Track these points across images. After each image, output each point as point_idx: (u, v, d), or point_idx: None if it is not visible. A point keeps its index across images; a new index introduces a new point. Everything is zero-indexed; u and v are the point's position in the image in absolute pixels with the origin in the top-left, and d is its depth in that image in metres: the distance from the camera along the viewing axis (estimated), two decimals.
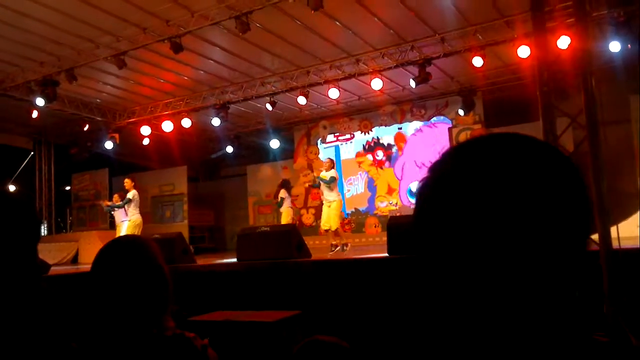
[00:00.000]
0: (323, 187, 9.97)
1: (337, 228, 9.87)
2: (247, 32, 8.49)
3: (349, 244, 10.34)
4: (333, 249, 9.92)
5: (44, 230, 15.78)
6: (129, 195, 11.43)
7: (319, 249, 11.56)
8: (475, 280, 0.63)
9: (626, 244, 5.03)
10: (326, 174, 9.92)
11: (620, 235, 4.89)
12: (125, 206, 11.39)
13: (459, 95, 12.39)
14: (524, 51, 9.25)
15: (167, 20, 8.95)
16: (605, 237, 4.86)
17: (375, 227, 13.60)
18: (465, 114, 12.52)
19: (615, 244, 4.88)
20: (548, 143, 0.71)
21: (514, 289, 0.62)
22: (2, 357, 1.00)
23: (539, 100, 5.36)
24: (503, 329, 0.62)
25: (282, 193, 11.69)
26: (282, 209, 11.71)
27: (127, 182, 11.79)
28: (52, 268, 8.33)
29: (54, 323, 1.09)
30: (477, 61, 9.88)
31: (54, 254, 12.76)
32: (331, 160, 10.46)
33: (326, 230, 10.34)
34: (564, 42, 8.49)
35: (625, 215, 8.00)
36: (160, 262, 1.57)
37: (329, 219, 9.78)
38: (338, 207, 9.95)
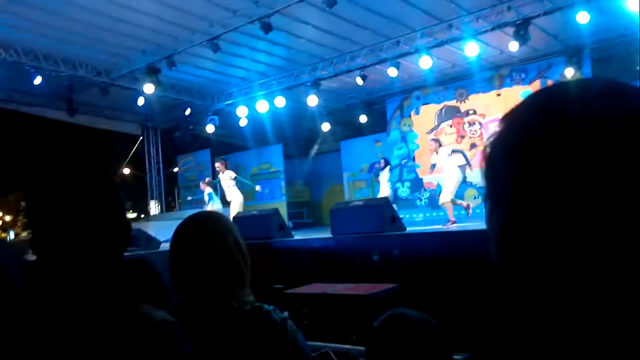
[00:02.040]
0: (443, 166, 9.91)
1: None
2: (334, 6, 8.42)
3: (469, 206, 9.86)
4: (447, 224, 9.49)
5: (156, 210, 16.91)
6: (232, 175, 11.83)
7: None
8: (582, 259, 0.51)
9: None
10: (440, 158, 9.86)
11: None
12: (227, 187, 11.81)
13: (565, 55, 11.54)
14: (633, 3, 8.39)
15: (255, 1, 9.09)
16: None
17: (475, 198, 13.16)
18: (572, 75, 11.65)
19: None
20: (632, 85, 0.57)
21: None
22: (80, 322, 1.04)
23: None
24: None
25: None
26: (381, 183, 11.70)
27: (218, 166, 12.25)
28: (162, 244, 8.90)
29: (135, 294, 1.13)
30: (582, 17, 9.11)
31: (165, 231, 13.60)
32: (435, 140, 10.24)
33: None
34: None
35: None
36: (236, 236, 1.57)
37: (444, 192, 9.77)
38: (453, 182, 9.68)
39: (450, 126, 13.84)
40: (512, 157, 0.57)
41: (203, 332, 1.42)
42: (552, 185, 0.52)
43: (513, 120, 0.61)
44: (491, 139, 0.62)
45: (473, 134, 13.47)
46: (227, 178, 11.91)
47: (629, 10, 8.55)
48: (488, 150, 0.62)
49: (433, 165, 10.46)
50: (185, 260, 1.53)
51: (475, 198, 13.07)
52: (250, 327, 1.44)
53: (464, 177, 10.15)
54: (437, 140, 10.48)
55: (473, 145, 13.13)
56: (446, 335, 1.75)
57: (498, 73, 13.01)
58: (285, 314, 1.59)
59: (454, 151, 10.12)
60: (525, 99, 0.62)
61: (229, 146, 17.29)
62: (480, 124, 13.39)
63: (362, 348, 4.83)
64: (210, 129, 14.60)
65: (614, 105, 0.54)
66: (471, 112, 13.57)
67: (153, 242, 8.91)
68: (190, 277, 1.51)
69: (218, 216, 1.68)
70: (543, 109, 0.58)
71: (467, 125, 13.59)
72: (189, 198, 15.56)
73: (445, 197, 9.60)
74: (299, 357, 1.47)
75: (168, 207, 18.02)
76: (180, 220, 1.63)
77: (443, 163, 9.95)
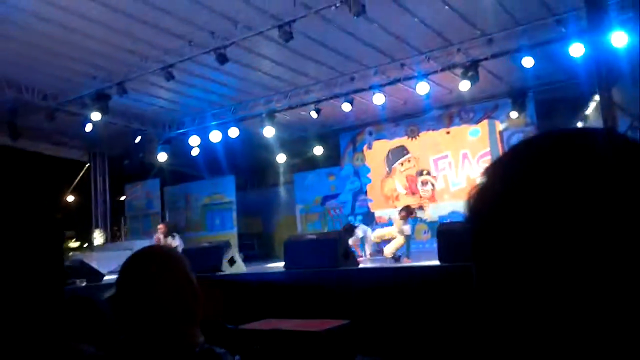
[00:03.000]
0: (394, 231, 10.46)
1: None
2: (291, 41, 8.53)
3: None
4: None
5: (100, 239, 16.31)
6: (176, 242, 11.56)
7: None
8: (555, 293, 0.51)
9: None
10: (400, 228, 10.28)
11: None
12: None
13: (509, 97, 12.04)
14: (576, 50, 8.89)
15: (212, 32, 9.10)
16: None
17: (425, 233, 13.36)
18: (517, 116, 12.14)
19: None
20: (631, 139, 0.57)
21: (602, 309, 0.50)
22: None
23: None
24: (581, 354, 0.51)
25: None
26: None
27: (161, 228, 12.06)
28: (106, 276, 8.55)
29: (77, 330, 1.07)
30: (527, 62, 9.57)
31: (109, 262, 13.11)
32: (407, 215, 10.55)
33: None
34: (618, 38, 8.11)
35: None
36: (187, 272, 1.51)
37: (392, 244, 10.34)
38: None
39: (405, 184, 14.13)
40: (490, 211, 0.57)
41: None
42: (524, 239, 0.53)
43: (494, 173, 0.61)
44: (474, 191, 0.61)
45: (425, 193, 13.76)
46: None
47: (572, 55, 9.03)
48: (472, 202, 0.61)
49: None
50: (131, 297, 1.45)
51: (425, 233, 13.29)
52: None
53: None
54: (407, 211, 10.73)
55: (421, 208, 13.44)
56: None
57: (447, 112, 13.42)
58: (237, 358, 1.54)
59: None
60: (505, 153, 0.62)
61: (181, 175, 16.99)
62: (432, 185, 13.71)
63: None
64: (162, 157, 14.30)
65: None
66: (425, 172, 13.90)
67: (95, 274, 8.52)
68: (136, 315, 1.43)
69: (168, 251, 1.62)
70: (513, 171, 0.59)
71: (420, 184, 13.87)
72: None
73: (388, 250, 10.31)
74: None
75: (114, 236, 17.41)
76: (126, 251, 1.56)
77: (397, 223, 10.47)
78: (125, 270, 1.50)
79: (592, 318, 0.50)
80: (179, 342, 1.41)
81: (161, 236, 11.46)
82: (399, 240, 10.24)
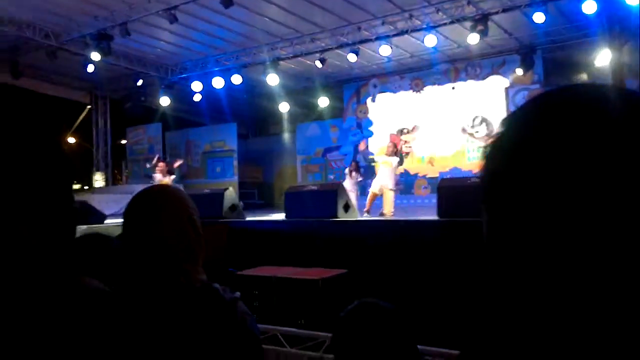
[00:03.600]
0: (383, 170, 9.99)
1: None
2: None
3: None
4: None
5: (101, 182, 16.40)
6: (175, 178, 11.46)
7: None
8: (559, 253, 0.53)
9: None
10: (389, 159, 9.90)
11: None
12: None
13: (518, 53, 11.84)
14: (589, 6, 8.68)
15: None
16: None
17: (424, 188, 13.42)
18: (524, 73, 11.97)
19: None
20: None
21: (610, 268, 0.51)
22: (26, 299, 0.99)
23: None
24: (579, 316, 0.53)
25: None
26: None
27: (161, 166, 11.66)
28: (108, 218, 8.65)
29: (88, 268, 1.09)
30: (539, 17, 9.35)
31: (110, 204, 13.24)
32: (394, 144, 10.34)
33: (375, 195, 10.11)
34: None
35: None
36: (191, 213, 1.53)
37: (386, 202, 9.83)
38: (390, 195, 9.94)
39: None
40: (508, 159, 0.58)
41: (150, 308, 1.38)
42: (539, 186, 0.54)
43: (513, 122, 0.61)
44: (492, 139, 0.62)
45: (406, 149, 13.73)
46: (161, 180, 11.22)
47: (585, 12, 8.82)
48: (489, 150, 0.62)
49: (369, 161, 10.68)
50: (136, 235, 1.49)
51: (424, 188, 13.35)
52: (199, 304, 1.41)
53: None
54: (395, 145, 10.56)
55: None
56: (413, 326, 1.78)
57: (454, 66, 13.22)
58: (237, 294, 1.58)
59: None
60: (526, 103, 0.62)
61: (182, 121, 16.92)
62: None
63: (310, 332, 4.87)
64: (164, 101, 14.18)
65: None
66: (405, 130, 13.81)
67: (98, 215, 8.60)
68: (141, 251, 1.47)
69: (174, 190, 1.63)
70: (536, 118, 0.59)
71: (402, 142, 13.77)
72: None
73: (388, 209, 9.82)
74: (248, 338, 1.45)
75: (114, 180, 17.49)
76: (127, 195, 1.59)
77: (385, 172, 10.06)
78: (131, 207, 1.52)
79: (602, 270, 0.52)
80: (181, 278, 1.44)
81: (160, 175, 11.45)
82: (390, 196, 9.97)
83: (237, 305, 1.45)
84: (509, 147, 0.59)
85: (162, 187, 1.69)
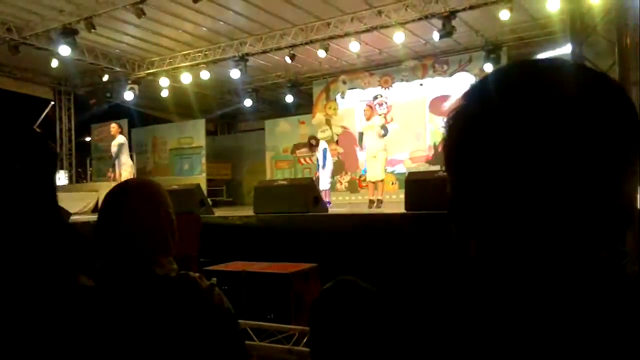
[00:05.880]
0: (369, 136, 9.73)
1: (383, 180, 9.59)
2: None
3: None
4: (371, 205, 9.40)
5: (64, 180, 16.02)
6: (120, 141, 10.98)
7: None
8: (508, 211, 0.59)
9: None
10: (370, 123, 9.68)
11: None
12: (120, 154, 10.95)
13: (484, 50, 12.05)
14: (553, 4, 8.91)
15: None
16: None
17: (392, 184, 13.52)
18: (490, 69, 12.20)
19: None
20: (599, 71, 0.64)
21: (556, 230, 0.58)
22: (16, 291, 0.99)
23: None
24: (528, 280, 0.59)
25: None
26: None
27: (114, 128, 11.23)
28: (72, 217, 8.47)
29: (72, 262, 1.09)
30: (504, 14, 9.55)
31: (74, 203, 12.93)
32: (370, 107, 10.21)
33: (374, 183, 9.70)
34: None
35: None
36: (167, 207, 1.60)
37: (377, 169, 9.53)
38: (385, 156, 9.69)
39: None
40: (469, 124, 0.63)
41: (127, 299, 1.41)
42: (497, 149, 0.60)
43: (472, 95, 0.66)
44: (453, 111, 0.67)
45: (382, 112, 13.65)
46: (117, 143, 10.94)
47: (550, 11, 9.04)
48: (451, 121, 0.66)
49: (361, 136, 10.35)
50: (111, 226, 1.53)
51: (392, 184, 13.45)
52: (178, 293, 1.46)
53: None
54: (372, 107, 10.39)
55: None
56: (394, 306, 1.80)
57: (421, 63, 13.37)
58: (213, 280, 1.67)
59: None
60: (483, 78, 0.67)
61: (149, 117, 16.65)
62: (386, 103, 13.78)
63: (279, 325, 4.87)
64: (129, 97, 13.92)
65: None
66: (379, 96, 13.92)
67: (63, 213, 8.42)
68: (115, 243, 1.50)
69: (151, 184, 1.68)
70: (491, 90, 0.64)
71: (377, 106, 13.71)
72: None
73: (381, 174, 9.59)
74: (227, 320, 1.53)
75: (78, 178, 17.10)
76: (91, 192, 1.64)
77: (372, 137, 9.73)
78: (107, 200, 1.58)
79: (549, 227, 0.58)
80: (154, 269, 1.49)
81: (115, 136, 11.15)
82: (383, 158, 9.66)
83: (214, 290, 1.54)
84: (468, 118, 0.64)
85: (141, 180, 1.76)
